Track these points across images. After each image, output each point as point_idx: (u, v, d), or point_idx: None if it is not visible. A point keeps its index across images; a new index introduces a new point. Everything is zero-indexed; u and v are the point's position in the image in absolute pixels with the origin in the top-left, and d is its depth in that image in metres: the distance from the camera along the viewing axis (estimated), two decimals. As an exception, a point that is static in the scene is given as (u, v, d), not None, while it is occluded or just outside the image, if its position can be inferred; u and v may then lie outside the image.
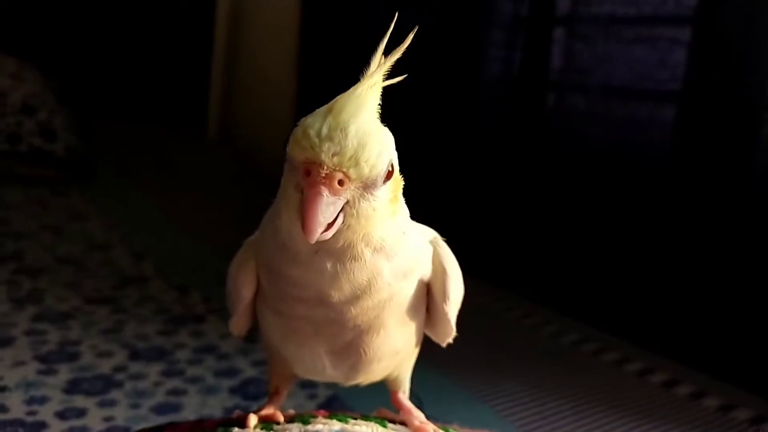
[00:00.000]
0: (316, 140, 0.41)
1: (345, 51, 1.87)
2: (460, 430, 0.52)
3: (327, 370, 0.50)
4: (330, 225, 0.42)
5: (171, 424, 0.58)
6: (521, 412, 1.00)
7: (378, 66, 0.43)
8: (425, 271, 0.50)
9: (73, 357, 1.04)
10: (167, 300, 1.30)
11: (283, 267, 0.46)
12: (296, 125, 0.42)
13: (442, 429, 0.51)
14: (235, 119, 2.76)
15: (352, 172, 0.41)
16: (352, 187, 0.42)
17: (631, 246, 1.33)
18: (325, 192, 0.41)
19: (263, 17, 2.60)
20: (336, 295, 0.45)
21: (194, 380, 1.01)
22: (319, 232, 0.41)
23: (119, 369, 1.02)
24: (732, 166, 1.20)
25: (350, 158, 0.41)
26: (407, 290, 0.49)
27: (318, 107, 0.43)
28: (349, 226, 0.43)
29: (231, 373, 1.04)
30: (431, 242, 0.52)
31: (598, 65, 1.47)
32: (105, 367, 1.02)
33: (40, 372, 0.98)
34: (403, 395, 0.55)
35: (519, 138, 1.61)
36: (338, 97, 0.43)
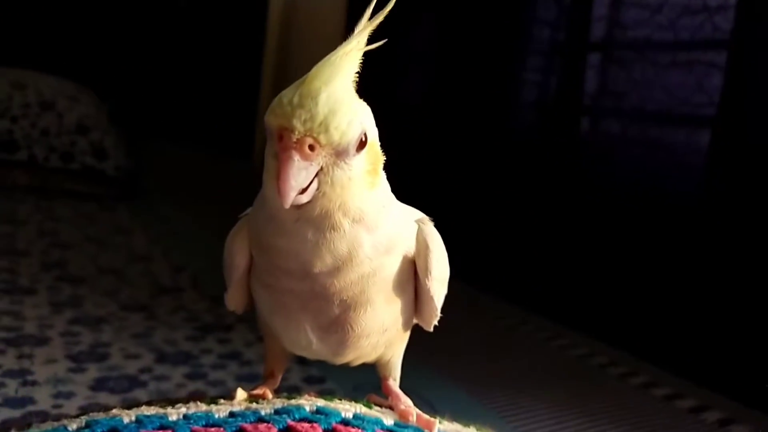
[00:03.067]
0: (288, 108, 0.41)
1: (391, 76, 1.87)
2: (451, 422, 0.52)
3: (313, 345, 0.50)
4: (304, 190, 0.42)
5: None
6: (539, 429, 0.98)
7: (356, 34, 0.44)
8: (409, 248, 0.50)
9: (102, 357, 1.07)
10: (199, 309, 1.32)
11: (270, 237, 0.46)
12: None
13: (432, 417, 0.50)
14: None
15: (322, 138, 0.41)
16: (324, 154, 0.42)
17: (663, 272, 1.32)
18: (296, 156, 0.41)
19: (311, 48, 2.64)
20: (318, 265, 0.45)
21: (216, 383, 1.02)
22: (291, 195, 0.41)
23: (145, 370, 1.04)
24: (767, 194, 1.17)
25: (320, 124, 0.41)
26: (391, 266, 0.49)
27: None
28: (324, 194, 0.43)
29: (253, 378, 1.04)
30: (417, 221, 0.52)
31: (633, 90, 1.48)
32: (132, 368, 1.04)
33: (70, 370, 1.01)
34: (393, 382, 0.55)
35: (553, 162, 1.60)
36: (315, 66, 0.43)
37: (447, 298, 0.53)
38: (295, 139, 0.41)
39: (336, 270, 0.46)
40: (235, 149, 2.93)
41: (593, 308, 1.40)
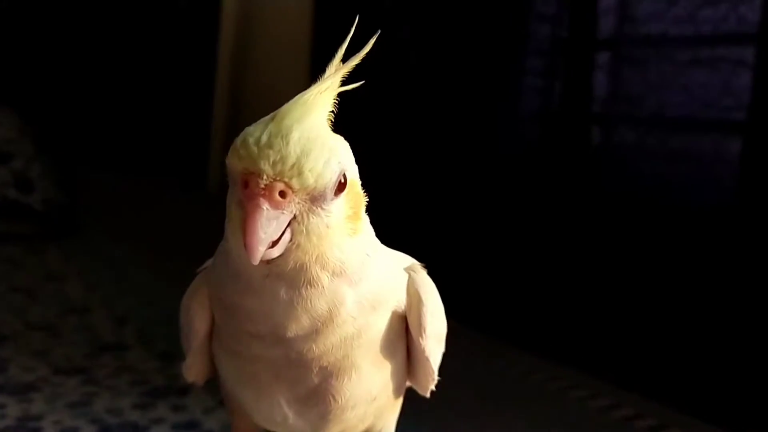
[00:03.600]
0: (254, 148, 0.42)
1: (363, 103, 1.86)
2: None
3: (290, 420, 0.51)
4: (275, 243, 0.42)
5: None
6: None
7: (333, 72, 0.45)
8: (399, 302, 0.51)
9: (33, 433, 1.03)
10: (148, 369, 1.30)
11: (235, 297, 0.47)
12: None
13: None
14: None
15: (294, 182, 0.42)
16: (297, 200, 0.43)
17: (692, 301, 1.31)
18: (265, 205, 0.42)
19: (269, 63, 2.64)
20: (293, 329, 0.46)
21: (170, 460, 0.99)
22: (261, 250, 0.41)
23: (85, 447, 1.01)
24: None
25: (292, 167, 0.42)
26: (379, 324, 0.49)
27: None
28: (298, 245, 0.44)
29: (214, 452, 1.02)
30: (407, 269, 0.52)
31: (650, 93, 1.47)
32: (69, 444, 1.01)
33: (-6, 450, 0.98)
34: None
35: (560, 180, 1.60)
36: (285, 104, 0.44)
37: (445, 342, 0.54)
38: (263, 185, 0.42)
39: (314, 332, 0.46)
40: (186, 177, 2.94)
41: (619, 352, 1.39)
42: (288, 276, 0.44)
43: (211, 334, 0.52)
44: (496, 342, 1.46)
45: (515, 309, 1.51)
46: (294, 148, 0.42)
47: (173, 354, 1.36)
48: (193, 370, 0.55)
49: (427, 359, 0.53)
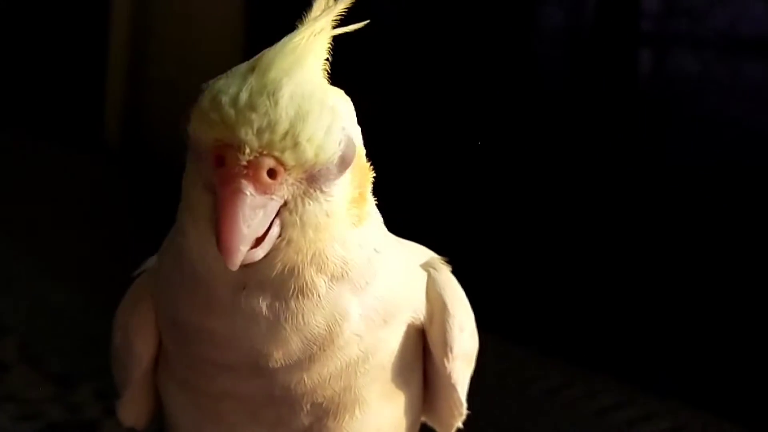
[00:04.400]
0: (231, 110, 0.41)
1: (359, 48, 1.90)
2: None
3: None
4: (260, 240, 0.42)
5: None
6: None
7: (323, 10, 0.44)
8: (417, 311, 0.52)
9: None
10: (38, 399, 1.25)
11: (194, 316, 0.46)
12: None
13: None
14: (147, 121, 2.81)
15: (288, 157, 0.41)
16: (291, 180, 0.42)
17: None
18: (248, 189, 0.41)
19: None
20: (278, 356, 0.46)
21: None
22: (242, 251, 0.41)
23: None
24: None
25: (285, 135, 0.41)
26: (391, 343, 0.50)
27: None
28: (289, 242, 0.43)
29: None
30: (425, 266, 0.53)
31: (717, 4, 1.45)
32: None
33: None
34: None
35: (596, 121, 1.58)
36: (265, 50, 0.43)
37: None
38: (245, 161, 0.41)
39: (307, 360, 0.47)
40: (74, 129, 2.92)
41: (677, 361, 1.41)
42: (273, 284, 0.44)
43: (157, 361, 0.53)
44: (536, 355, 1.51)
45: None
46: (286, 110, 0.41)
47: (72, 375, 1.32)
48: (131, 410, 0.55)
49: (454, 387, 0.54)
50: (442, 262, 0.54)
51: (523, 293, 1.60)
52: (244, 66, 0.43)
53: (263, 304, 0.45)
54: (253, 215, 0.41)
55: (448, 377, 0.53)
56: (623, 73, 1.57)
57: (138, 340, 0.52)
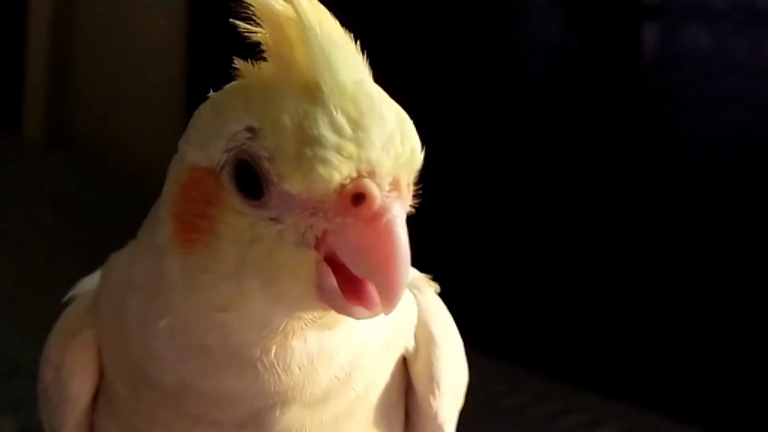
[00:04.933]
0: (346, 141, 0.40)
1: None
2: None
3: None
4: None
5: None
6: None
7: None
8: (408, 340, 0.51)
9: None
10: None
11: (188, 374, 0.46)
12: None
13: None
14: (70, 111, 2.76)
15: (411, 166, 0.42)
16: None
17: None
18: (400, 212, 0.41)
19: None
20: (303, 401, 0.46)
21: None
22: (401, 295, 0.41)
23: None
24: None
25: (402, 144, 0.41)
26: (384, 375, 0.50)
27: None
28: None
29: None
30: (408, 286, 0.50)
31: None
32: None
33: None
34: None
35: (595, 109, 1.52)
36: (303, 55, 0.42)
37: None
38: (387, 184, 0.41)
39: (322, 402, 0.47)
40: None
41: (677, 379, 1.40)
42: (322, 321, 0.44)
43: (95, 397, 0.51)
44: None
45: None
46: (393, 117, 0.41)
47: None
48: None
49: (441, 427, 0.52)
50: (427, 280, 0.53)
51: (515, 311, 1.60)
52: (288, 90, 0.41)
53: (299, 350, 0.45)
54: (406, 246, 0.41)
55: (434, 417, 0.51)
56: (625, 52, 1.51)
57: (74, 381, 0.50)
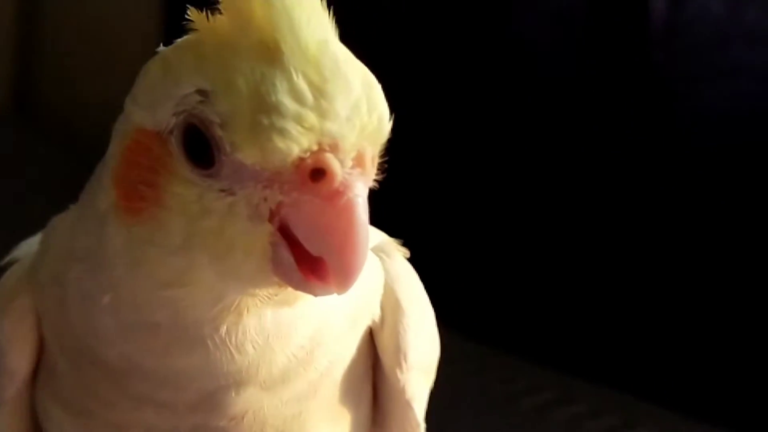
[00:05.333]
0: (308, 110, 0.38)
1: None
2: None
3: None
4: None
5: None
6: None
7: None
8: (374, 310, 0.51)
9: None
10: None
11: (134, 353, 0.45)
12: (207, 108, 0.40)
13: None
14: (37, 79, 2.75)
15: (379, 137, 0.41)
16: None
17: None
18: (362, 191, 0.40)
19: None
20: (259, 381, 0.46)
21: None
22: (357, 274, 0.41)
23: None
24: None
25: (370, 113, 0.40)
26: (351, 351, 0.50)
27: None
28: None
29: None
30: (374, 251, 0.52)
31: None
32: None
33: None
34: None
35: (600, 79, 1.45)
36: (262, 11, 0.40)
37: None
38: (350, 159, 0.39)
39: (280, 383, 0.47)
40: None
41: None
42: (278, 297, 0.44)
43: (35, 373, 0.50)
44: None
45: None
46: (359, 83, 0.40)
47: None
48: None
49: (409, 404, 0.52)
50: (396, 245, 0.53)
51: (508, 291, 1.56)
52: (244, 50, 0.39)
53: (254, 328, 0.44)
54: (365, 222, 0.40)
55: (402, 392, 0.51)
56: (632, 20, 1.44)
57: (12, 350, 0.49)
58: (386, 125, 0.41)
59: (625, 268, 1.39)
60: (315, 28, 0.40)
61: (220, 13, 0.41)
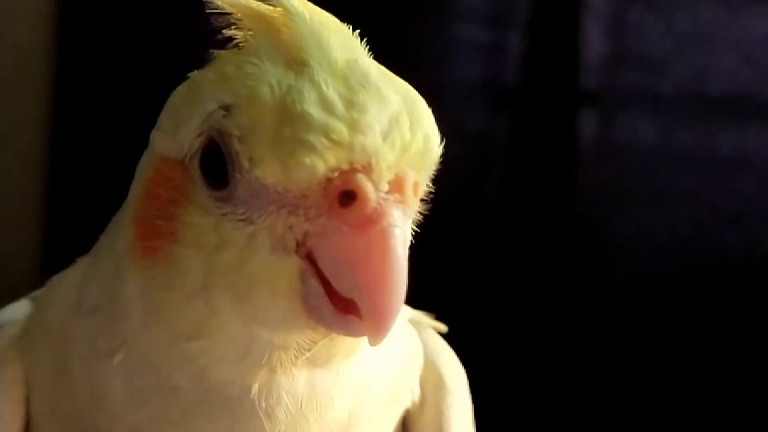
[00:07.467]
0: (340, 122, 0.36)
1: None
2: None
3: None
4: None
5: None
6: None
7: None
8: (414, 388, 0.49)
9: None
10: None
11: (160, 428, 0.42)
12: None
13: None
14: None
15: (426, 164, 0.38)
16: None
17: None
18: (398, 220, 0.36)
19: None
20: None
21: None
22: (395, 318, 0.37)
23: None
24: None
25: (414, 131, 0.37)
26: (387, 428, 0.48)
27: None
28: None
29: None
30: (411, 322, 0.51)
31: (677, 54, 1.39)
32: None
33: None
34: None
35: (524, 204, 1.45)
36: (289, 32, 0.39)
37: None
38: (386, 183, 0.36)
39: None
40: None
41: None
42: (312, 353, 0.40)
43: None
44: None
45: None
46: (398, 99, 0.37)
47: None
48: None
49: None
50: (427, 318, 0.51)
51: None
52: (270, 64, 0.38)
53: (286, 390, 0.41)
54: (403, 258, 0.36)
55: None
56: (558, 142, 1.43)
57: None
58: (435, 147, 0.38)
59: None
60: (343, 48, 0.38)
61: (243, 31, 0.40)
